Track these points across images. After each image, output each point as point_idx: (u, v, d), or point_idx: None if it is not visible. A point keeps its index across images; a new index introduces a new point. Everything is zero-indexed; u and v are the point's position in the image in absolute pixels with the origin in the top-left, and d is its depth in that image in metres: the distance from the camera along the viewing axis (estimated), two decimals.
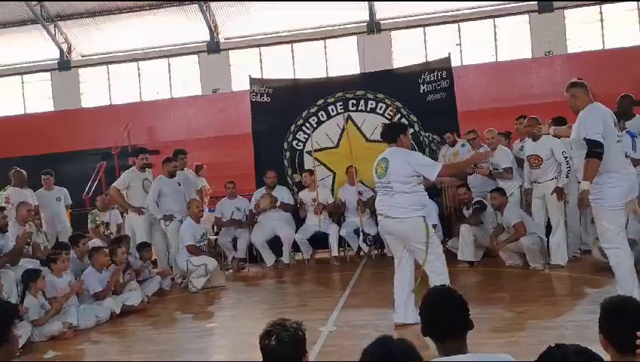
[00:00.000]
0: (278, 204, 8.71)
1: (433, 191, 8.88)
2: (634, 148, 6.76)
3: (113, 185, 8.50)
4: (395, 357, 1.92)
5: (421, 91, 9.13)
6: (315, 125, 9.33)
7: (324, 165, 9.29)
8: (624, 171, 4.83)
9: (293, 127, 9.37)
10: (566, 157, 6.82)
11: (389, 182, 4.96)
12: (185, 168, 8.81)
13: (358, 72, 16.59)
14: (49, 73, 21.46)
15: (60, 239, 8.41)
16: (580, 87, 5.02)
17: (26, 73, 21.71)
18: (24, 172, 8.69)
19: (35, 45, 20.82)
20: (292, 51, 20.09)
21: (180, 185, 8.27)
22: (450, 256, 7.93)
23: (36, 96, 21.66)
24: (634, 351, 2.09)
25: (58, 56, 21.17)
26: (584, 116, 4.82)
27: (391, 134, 5.20)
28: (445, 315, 2.38)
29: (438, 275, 4.89)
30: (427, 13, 19.06)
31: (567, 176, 6.91)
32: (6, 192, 8.55)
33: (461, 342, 2.37)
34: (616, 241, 4.78)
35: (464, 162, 6.05)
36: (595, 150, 4.64)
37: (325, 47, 19.92)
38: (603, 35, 18.36)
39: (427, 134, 9.09)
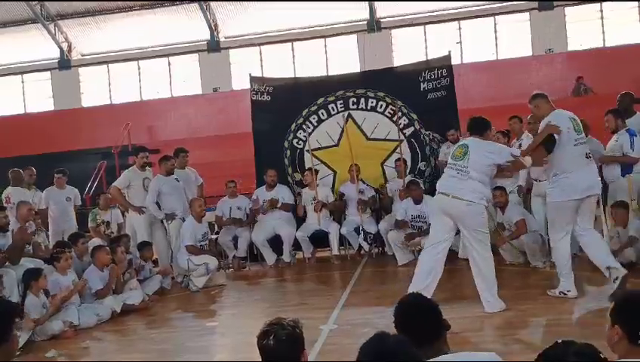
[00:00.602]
0: (279, 205, 8.71)
1: (434, 189, 8.92)
2: (632, 147, 6.75)
3: (114, 184, 8.50)
4: (391, 354, 1.92)
5: (421, 89, 9.12)
6: (315, 124, 9.32)
7: (325, 164, 9.28)
8: (579, 171, 5.32)
9: (293, 126, 9.37)
10: None
11: (465, 166, 5.21)
12: (186, 167, 8.80)
13: (359, 70, 16.59)
14: (49, 72, 21.48)
15: (66, 238, 8.44)
16: (541, 98, 5.61)
17: (26, 72, 21.73)
18: (22, 171, 8.73)
19: (35, 44, 20.83)
20: (292, 50, 20.09)
21: (178, 182, 8.27)
22: (451, 254, 7.97)
23: (36, 96, 21.68)
24: None
25: (58, 55, 21.19)
26: (548, 120, 5.42)
27: (481, 128, 5.45)
28: (417, 322, 2.40)
29: (484, 260, 5.27)
30: (427, 12, 19.05)
31: None
32: (6, 192, 8.56)
33: (440, 343, 2.38)
34: (560, 233, 5.42)
35: (538, 136, 5.83)
36: (546, 143, 5.30)
37: (325, 46, 19.93)
38: (603, 33, 18.35)
39: (427, 132, 9.08)
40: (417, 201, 7.99)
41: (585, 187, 5.33)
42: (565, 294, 5.45)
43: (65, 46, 21.12)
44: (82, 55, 21.39)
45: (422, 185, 8.74)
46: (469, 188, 5.16)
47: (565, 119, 5.40)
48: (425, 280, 5.24)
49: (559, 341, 1.84)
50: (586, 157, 5.43)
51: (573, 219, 5.41)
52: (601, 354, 1.83)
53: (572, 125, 5.39)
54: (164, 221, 8.09)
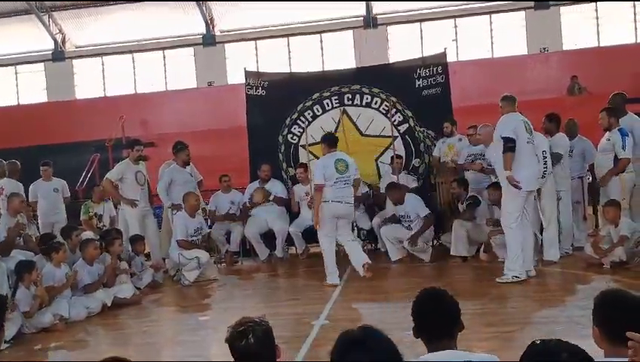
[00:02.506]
0: (271, 198, 8.70)
1: (428, 186, 8.93)
2: (623, 147, 6.77)
3: (106, 176, 8.45)
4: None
5: (416, 86, 9.12)
6: (310, 119, 9.30)
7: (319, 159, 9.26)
8: (529, 168, 6.10)
9: (288, 121, 9.35)
10: (545, 157, 6.68)
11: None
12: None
13: (354, 66, 16.57)
14: (43, 64, 21.36)
15: (56, 230, 8.40)
16: (507, 100, 6.31)
17: (20, 64, 21.61)
18: (18, 163, 8.68)
19: (29, 36, 20.71)
20: (288, 45, 20.05)
21: (191, 176, 8.26)
22: (444, 251, 8.00)
23: (30, 87, 21.57)
24: (624, 343, 2.11)
25: (52, 46, 21.07)
26: (499, 122, 6.19)
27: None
28: (437, 318, 2.38)
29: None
30: (424, 9, 19.05)
31: (543, 176, 6.67)
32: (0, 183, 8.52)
33: (450, 342, 2.37)
34: (513, 221, 6.12)
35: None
36: (508, 145, 5.97)
37: (321, 41, 19.90)
38: (598, 33, 18.41)
39: (422, 129, 9.08)
40: (398, 203, 7.94)
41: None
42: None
43: (59, 37, 21.00)
44: (76, 47, 21.28)
45: (416, 182, 8.77)
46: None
47: (519, 121, 6.15)
48: None
49: (537, 341, 1.83)
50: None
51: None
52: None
53: (524, 126, 6.14)
54: (170, 211, 8.06)
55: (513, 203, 6.15)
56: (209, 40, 20.15)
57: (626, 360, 2.06)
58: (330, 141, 6.96)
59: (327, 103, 9.29)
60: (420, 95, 9.09)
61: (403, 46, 18.86)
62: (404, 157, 8.98)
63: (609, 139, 6.94)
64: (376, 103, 9.18)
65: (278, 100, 9.33)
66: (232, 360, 2.22)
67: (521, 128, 6.10)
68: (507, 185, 6.09)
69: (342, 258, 8.55)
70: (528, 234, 6.28)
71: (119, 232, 7.41)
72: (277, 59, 19.53)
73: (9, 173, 8.57)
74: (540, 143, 6.73)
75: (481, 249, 7.80)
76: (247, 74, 9.66)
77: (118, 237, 6.99)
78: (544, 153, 6.69)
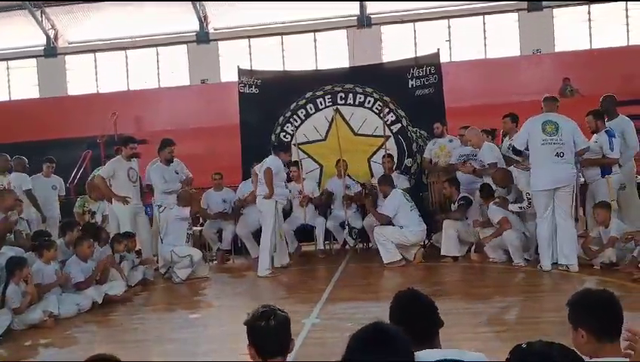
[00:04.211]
0: None
1: (420, 186, 8.95)
2: (611, 148, 6.85)
3: (99, 173, 8.43)
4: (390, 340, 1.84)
5: (409, 86, 9.14)
6: (303, 118, 9.31)
7: (312, 158, 9.28)
8: (542, 168, 6.47)
9: (281, 119, 9.35)
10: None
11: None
12: (174, 159, 8.72)
13: (348, 65, 16.58)
14: (35, 60, 21.21)
15: (48, 226, 8.46)
16: (544, 101, 6.90)
17: (12, 59, 21.43)
18: (8, 156, 8.67)
19: (21, 31, 20.53)
20: (282, 43, 20.02)
21: (177, 174, 8.24)
22: (435, 251, 8.02)
23: (22, 83, 21.40)
24: (613, 339, 2.14)
25: (44, 42, 20.91)
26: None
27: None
28: (416, 319, 2.37)
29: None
30: (417, 9, 19.08)
31: (520, 208, 7.03)
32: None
33: (433, 341, 2.37)
34: (539, 216, 6.57)
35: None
36: (515, 152, 6.82)
37: (315, 40, 19.88)
38: (590, 35, 18.50)
39: (415, 129, 9.11)
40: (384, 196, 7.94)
41: (554, 180, 6.55)
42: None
43: (52, 33, 20.85)
44: (69, 43, 21.13)
45: (408, 182, 8.78)
46: None
47: (535, 124, 6.58)
48: None
49: (523, 344, 1.82)
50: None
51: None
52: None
53: (540, 127, 6.55)
54: (157, 209, 8.05)
55: (536, 199, 6.61)
56: (203, 37, 20.08)
57: (622, 359, 2.09)
58: None
59: (321, 102, 9.30)
60: (413, 95, 9.12)
61: (396, 46, 18.87)
62: (396, 157, 9.01)
63: (597, 141, 7.01)
64: (369, 103, 9.20)
65: (272, 98, 9.33)
66: (223, 359, 2.23)
67: (535, 131, 6.46)
68: (527, 184, 6.72)
69: (333, 256, 8.59)
70: (562, 228, 6.49)
71: (127, 236, 7.41)
72: (270, 57, 19.48)
73: (15, 168, 8.67)
74: None
75: (472, 249, 7.83)
76: (241, 72, 9.65)
77: (124, 240, 7.16)
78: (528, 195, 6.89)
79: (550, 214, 6.50)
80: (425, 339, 2.33)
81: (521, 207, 6.99)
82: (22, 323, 5.43)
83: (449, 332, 4.46)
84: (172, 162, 8.22)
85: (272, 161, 7.55)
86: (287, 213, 8.84)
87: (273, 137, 9.32)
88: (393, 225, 7.70)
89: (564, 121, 6.55)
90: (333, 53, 19.13)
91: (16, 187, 8.37)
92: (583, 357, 1.98)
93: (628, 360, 2.08)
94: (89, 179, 9.47)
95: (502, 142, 8.27)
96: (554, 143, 6.41)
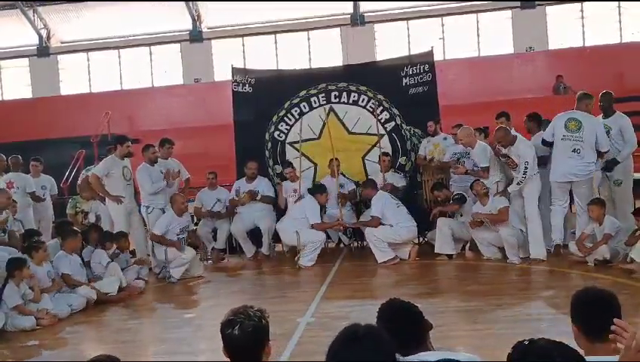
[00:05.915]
0: (258, 197, 8.64)
1: (414, 184, 8.95)
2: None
3: (93, 171, 8.38)
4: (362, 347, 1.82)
5: (403, 84, 9.13)
6: (297, 116, 9.29)
7: (306, 157, 9.25)
8: (558, 161, 6.89)
9: (275, 118, 9.32)
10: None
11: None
12: (170, 158, 8.71)
13: (341, 64, 16.57)
14: (27, 59, 21.11)
15: (41, 226, 8.42)
16: (578, 98, 7.17)
17: (4, 59, 21.31)
18: (3, 156, 8.67)
19: (13, 30, 20.42)
20: (275, 42, 20.00)
21: (161, 173, 8.21)
22: (430, 249, 8.02)
23: (14, 83, 21.31)
24: (602, 338, 2.14)
25: (37, 42, 20.81)
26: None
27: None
28: (403, 330, 2.33)
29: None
30: (411, 7, 19.10)
31: (519, 183, 6.98)
32: (7, 177, 8.57)
33: (423, 345, 2.35)
34: (556, 202, 7.00)
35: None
36: (545, 142, 7.10)
37: (309, 39, 19.87)
38: (583, 33, 18.57)
39: (409, 127, 9.10)
40: (367, 199, 7.99)
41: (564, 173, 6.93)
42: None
43: (44, 33, 20.75)
44: (62, 42, 21.03)
45: (403, 181, 8.76)
46: None
47: (560, 120, 6.95)
48: None
49: (525, 340, 1.81)
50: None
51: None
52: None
53: (563, 124, 6.88)
54: (145, 209, 8.03)
55: (552, 189, 7.03)
56: (196, 36, 20.03)
57: (611, 359, 2.08)
58: None
59: (314, 101, 9.28)
60: (407, 93, 9.10)
61: (390, 44, 18.87)
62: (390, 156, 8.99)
63: (563, 140, 7.05)
64: (363, 101, 9.18)
65: (265, 97, 9.30)
66: (218, 358, 2.22)
67: (559, 126, 6.87)
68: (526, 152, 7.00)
69: (327, 255, 8.59)
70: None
71: (120, 235, 7.42)
72: (264, 56, 19.47)
73: (13, 167, 8.67)
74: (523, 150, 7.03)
75: (467, 246, 7.84)
76: (234, 71, 9.62)
77: (116, 240, 7.24)
78: (526, 163, 6.87)
79: (566, 205, 7.05)
80: (416, 344, 2.33)
81: (519, 183, 6.97)
82: (13, 327, 5.39)
83: (444, 331, 4.50)
84: (156, 162, 8.20)
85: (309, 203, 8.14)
86: (282, 211, 8.80)
87: (267, 136, 9.29)
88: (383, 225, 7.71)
89: (588, 119, 6.81)
90: (326, 51, 19.13)
91: (19, 188, 8.38)
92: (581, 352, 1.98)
93: (617, 358, 2.07)
94: (79, 178, 9.44)
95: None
96: (573, 140, 6.74)
